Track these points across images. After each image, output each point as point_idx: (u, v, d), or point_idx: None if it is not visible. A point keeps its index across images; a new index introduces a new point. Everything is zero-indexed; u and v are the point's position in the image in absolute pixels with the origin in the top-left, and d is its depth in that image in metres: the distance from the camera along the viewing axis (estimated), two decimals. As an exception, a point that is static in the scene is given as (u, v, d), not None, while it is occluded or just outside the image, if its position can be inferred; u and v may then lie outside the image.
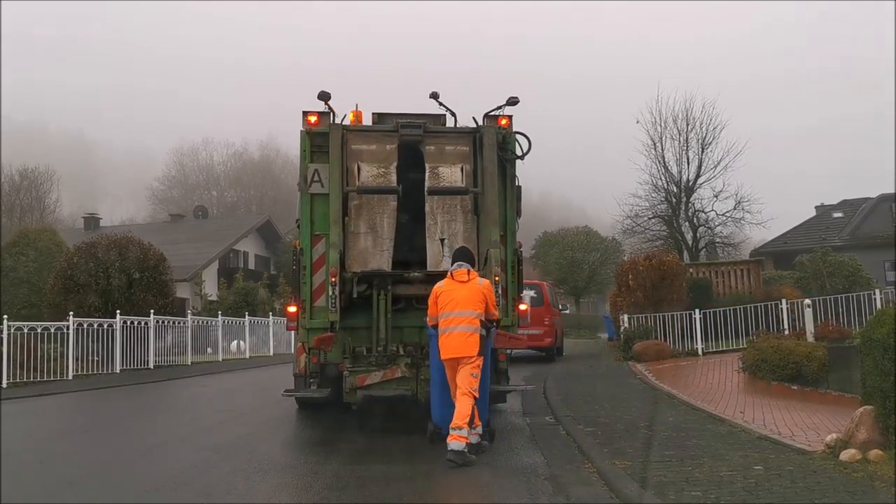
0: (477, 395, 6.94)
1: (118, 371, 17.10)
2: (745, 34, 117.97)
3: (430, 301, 7.38)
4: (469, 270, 7.34)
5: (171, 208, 57.77)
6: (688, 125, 26.87)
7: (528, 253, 37.72)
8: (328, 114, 8.73)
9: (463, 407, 6.80)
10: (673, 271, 19.23)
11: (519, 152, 9.02)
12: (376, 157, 8.72)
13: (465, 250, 7.78)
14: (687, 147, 26.97)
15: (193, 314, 22.81)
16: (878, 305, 13.72)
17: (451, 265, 7.56)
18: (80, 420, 11.40)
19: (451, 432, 6.70)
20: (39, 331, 15.40)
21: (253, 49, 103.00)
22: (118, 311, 17.72)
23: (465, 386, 6.88)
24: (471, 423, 6.85)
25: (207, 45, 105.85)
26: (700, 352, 16.37)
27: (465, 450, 6.71)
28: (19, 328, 15.04)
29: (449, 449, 6.64)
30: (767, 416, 8.72)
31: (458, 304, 7.11)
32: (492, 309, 7.34)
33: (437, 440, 7.27)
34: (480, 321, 7.15)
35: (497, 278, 8.12)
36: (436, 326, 7.26)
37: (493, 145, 8.68)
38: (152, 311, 18.84)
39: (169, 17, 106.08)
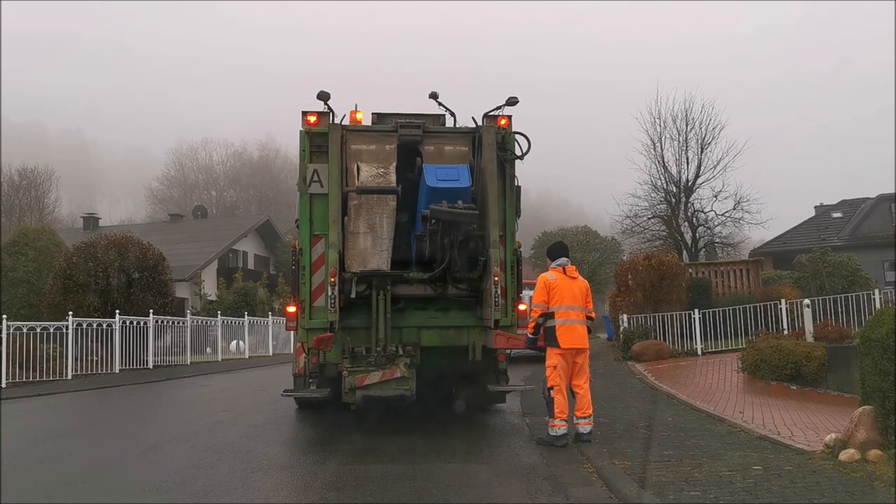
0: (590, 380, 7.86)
1: (117, 371, 17.11)
2: (746, 34, 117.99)
3: (540, 288, 7.83)
4: (576, 268, 7.99)
5: (171, 208, 57.73)
6: (687, 125, 26.81)
7: (528, 253, 37.72)
8: (327, 114, 8.72)
9: (589, 395, 7.64)
10: (672, 271, 19.19)
11: (518, 152, 9.01)
12: (376, 157, 8.71)
13: (565, 246, 8.38)
14: (686, 147, 26.91)
15: (193, 314, 22.80)
16: (878, 305, 13.70)
17: (555, 259, 8.00)
18: (79, 420, 11.41)
19: (587, 419, 7.58)
20: (39, 331, 15.40)
21: (253, 49, 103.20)
22: (117, 311, 17.73)
23: (588, 375, 7.71)
24: None
25: (207, 45, 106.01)
26: (699, 352, 16.34)
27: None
28: (18, 328, 15.04)
29: (585, 432, 7.54)
30: (766, 416, 8.72)
31: (576, 299, 7.73)
32: (589, 305, 7.89)
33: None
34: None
35: (496, 279, 8.13)
36: (543, 315, 7.70)
37: (493, 145, 8.67)
38: (151, 310, 18.86)
39: (169, 17, 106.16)
